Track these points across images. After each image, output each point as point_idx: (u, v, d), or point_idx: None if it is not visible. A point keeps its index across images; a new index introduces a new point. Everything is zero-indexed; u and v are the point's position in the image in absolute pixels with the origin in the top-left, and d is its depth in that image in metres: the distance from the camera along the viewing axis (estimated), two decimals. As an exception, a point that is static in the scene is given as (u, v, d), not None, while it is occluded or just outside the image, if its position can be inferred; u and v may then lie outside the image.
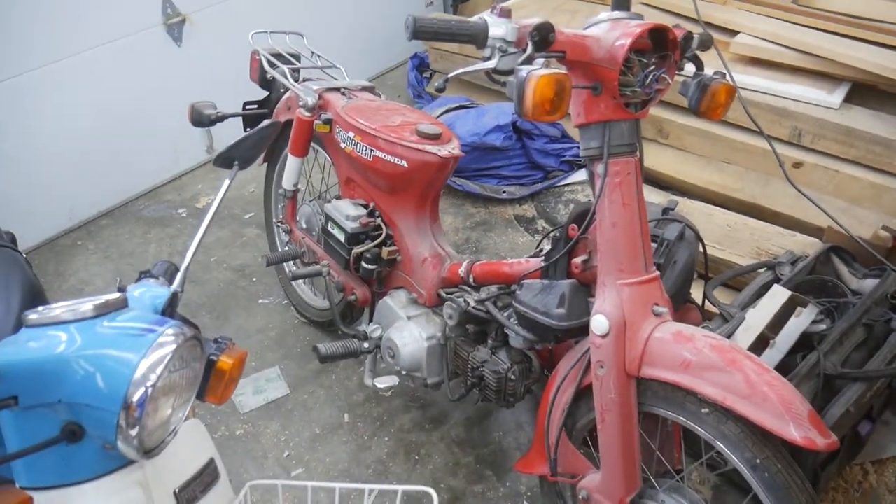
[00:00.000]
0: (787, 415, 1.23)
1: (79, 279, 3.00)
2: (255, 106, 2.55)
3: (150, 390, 0.85)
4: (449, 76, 1.30)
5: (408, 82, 4.18)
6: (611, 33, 1.32)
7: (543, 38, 1.27)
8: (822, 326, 1.90)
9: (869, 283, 2.11)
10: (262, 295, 2.85)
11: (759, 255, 2.48)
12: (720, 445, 1.36)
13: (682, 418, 1.42)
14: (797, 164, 2.71)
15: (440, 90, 1.29)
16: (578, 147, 3.23)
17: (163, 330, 0.90)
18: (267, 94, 2.53)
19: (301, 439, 2.22)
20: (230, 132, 2.99)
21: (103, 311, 0.90)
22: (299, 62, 2.44)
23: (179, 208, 3.44)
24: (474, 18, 1.28)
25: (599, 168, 1.41)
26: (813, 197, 2.03)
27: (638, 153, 1.44)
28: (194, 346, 0.94)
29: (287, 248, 2.53)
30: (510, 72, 1.28)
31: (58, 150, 3.14)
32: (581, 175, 3.22)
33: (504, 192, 3.20)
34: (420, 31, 1.28)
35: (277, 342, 2.60)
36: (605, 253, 1.43)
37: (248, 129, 2.60)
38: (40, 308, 0.90)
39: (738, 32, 3.08)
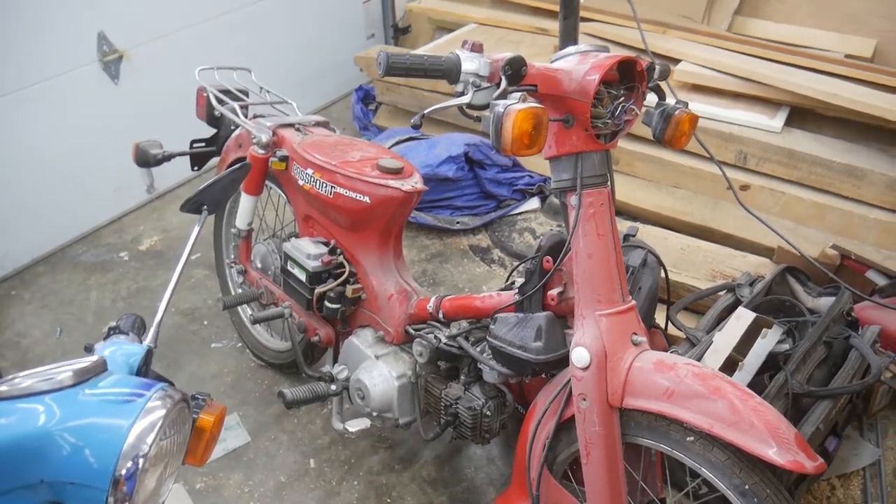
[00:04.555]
0: (774, 440, 1.24)
1: (15, 331, 2.83)
2: (203, 144, 2.48)
3: (141, 462, 0.78)
4: (425, 112, 1.27)
5: (353, 114, 4.16)
6: (580, 66, 1.33)
7: (516, 72, 1.26)
8: (786, 346, 1.94)
9: (823, 302, 2.17)
10: (215, 339, 2.74)
11: (713, 277, 2.53)
12: (707, 473, 1.35)
13: (666, 447, 1.41)
14: (744, 187, 2.78)
15: (416, 126, 1.27)
16: (530, 176, 3.30)
17: (150, 395, 0.83)
18: (215, 131, 2.47)
19: (266, 489, 2.13)
20: (173, 172, 2.93)
21: (83, 377, 0.83)
22: (248, 98, 2.38)
23: (121, 251, 3.31)
24: (446, 54, 1.27)
25: (573, 199, 1.41)
26: (761, 218, 2.08)
27: (609, 184, 1.45)
28: (183, 409, 0.88)
29: (242, 290, 2.45)
30: (485, 106, 1.27)
31: (-13, 195, 2.98)
32: (534, 203, 3.24)
33: (458, 222, 3.19)
34: (393, 68, 1.26)
35: (234, 388, 2.50)
36: (581, 284, 1.42)
37: (195, 168, 2.53)
38: (8, 378, 0.82)
39: (679, 60, 3.17)
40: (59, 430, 0.79)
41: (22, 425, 0.79)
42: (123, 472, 0.78)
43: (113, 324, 1.11)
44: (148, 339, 1.04)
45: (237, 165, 1.22)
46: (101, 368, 0.86)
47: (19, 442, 0.77)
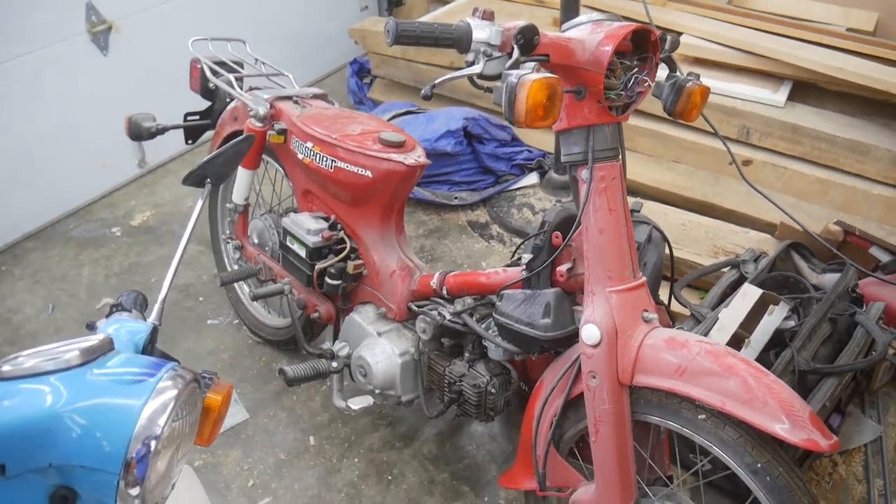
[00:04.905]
0: (789, 418, 1.22)
1: (6, 307, 2.78)
2: (197, 117, 2.43)
3: (153, 444, 0.75)
4: (436, 82, 1.23)
5: (347, 88, 4.09)
6: (593, 35, 1.29)
7: (528, 41, 1.22)
8: (791, 323, 1.93)
9: (828, 278, 2.16)
10: (211, 315, 2.71)
11: (715, 253, 2.51)
12: (718, 451, 1.34)
13: (676, 425, 1.39)
14: (746, 162, 2.76)
15: (427, 97, 1.23)
16: (528, 151, 3.26)
17: (161, 374, 0.80)
18: (209, 104, 2.41)
19: (265, 466, 2.11)
20: (164, 146, 2.87)
21: (91, 356, 0.79)
22: (243, 70, 2.32)
23: (113, 227, 3.25)
24: (457, 22, 1.22)
25: (584, 173, 1.37)
26: (764, 193, 2.06)
27: (621, 158, 1.42)
28: (194, 389, 0.85)
29: (239, 266, 2.41)
30: (497, 76, 1.23)
31: (-25, 169, 2.92)
32: (532, 179, 3.21)
33: (456, 198, 3.15)
34: (402, 36, 1.21)
35: (232, 364, 2.47)
36: (592, 260, 1.40)
37: (189, 142, 2.48)
38: (10, 357, 0.78)
39: (680, 33, 3.12)
40: (68, 412, 0.75)
41: (27, 407, 0.75)
42: (135, 454, 0.75)
43: (113, 301, 1.07)
44: (152, 316, 1.01)
45: (240, 137, 1.18)
46: (108, 347, 0.83)
47: (25, 424, 0.74)
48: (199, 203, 1.12)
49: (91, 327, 0.98)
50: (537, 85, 1.16)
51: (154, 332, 0.96)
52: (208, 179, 1.14)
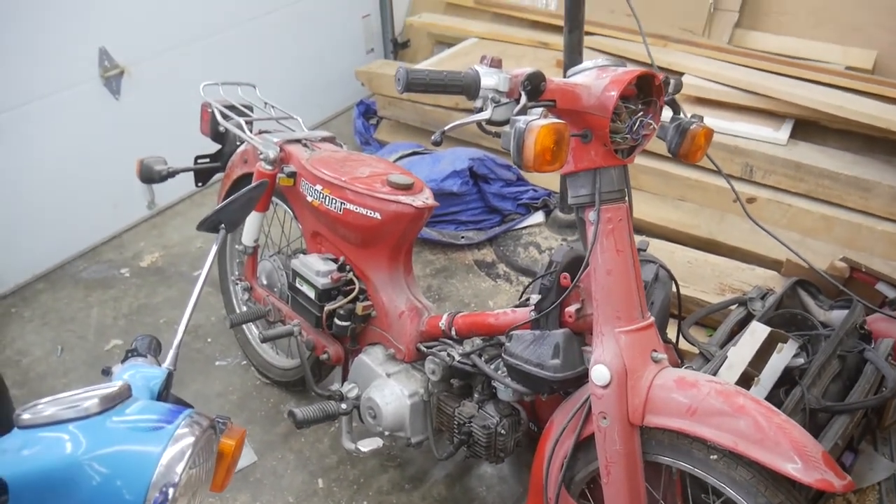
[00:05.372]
0: (801, 458, 1.22)
1: (15, 349, 2.79)
2: (207, 160, 2.46)
3: (171, 491, 0.76)
4: (445, 129, 1.26)
5: (354, 129, 4.14)
6: (598, 81, 1.32)
7: (535, 88, 1.25)
8: (801, 361, 1.92)
9: (836, 315, 2.16)
10: (219, 356, 2.71)
11: (722, 291, 2.52)
12: (731, 492, 1.33)
13: (688, 466, 1.39)
14: (751, 200, 2.78)
15: (437, 143, 1.25)
16: (534, 190, 3.29)
17: (179, 422, 0.81)
18: (219, 147, 2.45)
19: (274, 510, 2.10)
20: (173, 187, 2.91)
21: (110, 404, 0.80)
22: (252, 113, 2.37)
23: (122, 268, 3.27)
24: (466, 70, 1.25)
25: (591, 215, 1.39)
26: (769, 230, 2.07)
27: (628, 199, 1.44)
28: (211, 436, 0.85)
29: (247, 307, 2.42)
30: (505, 122, 1.25)
31: (-13, 211, 2.95)
32: (538, 218, 3.23)
33: (462, 237, 3.18)
34: (412, 84, 1.25)
35: (240, 406, 2.47)
36: (601, 301, 1.41)
37: (199, 184, 2.51)
38: (29, 405, 0.79)
39: (682, 74, 3.17)
40: (88, 460, 0.76)
41: (48, 455, 0.76)
42: (153, 502, 0.76)
43: (129, 346, 1.08)
44: (167, 361, 1.02)
45: (253, 184, 1.20)
46: (126, 394, 0.84)
47: (46, 473, 0.74)
48: (214, 248, 1.14)
49: (106, 373, 0.99)
50: (545, 130, 1.19)
51: (169, 377, 0.97)
52: (222, 225, 1.16)
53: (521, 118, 1.21)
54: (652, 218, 2.96)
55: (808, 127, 2.93)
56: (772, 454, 1.23)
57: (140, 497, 0.75)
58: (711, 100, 3.05)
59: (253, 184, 1.19)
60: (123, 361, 1.03)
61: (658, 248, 2.75)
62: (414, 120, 3.77)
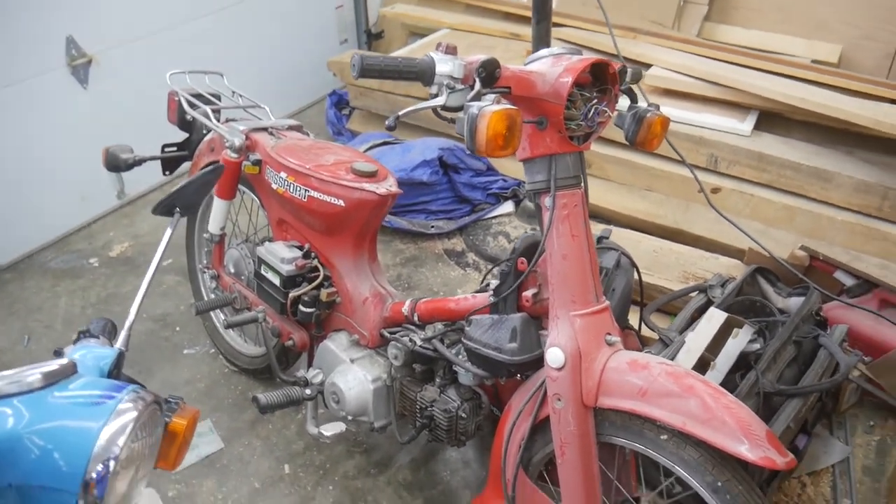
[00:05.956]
0: (747, 437, 1.25)
1: (-19, 338, 2.78)
2: (175, 148, 2.46)
3: (111, 464, 0.77)
4: (399, 114, 1.27)
5: (326, 119, 4.15)
6: (554, 68, 1.34)
7: (490, 75, 1.27)
8: (756, 346, 1.96)
9: (793, 302, 2.20)
10: (188, 345, 2.71)
11: (686, 279, 2.56)
12: (680, 471, 1.37)
13: (640, 446, 1.42)
14: (715, 190, 2.82)
15: (391, 128, 1.27)
16: (503, 180, 3.31)
17: (121, 396, 0.82)
18: (187, 135, 2.44)
19: (240, 495, 2.11)
20: (143, 177, 2.90)
21: (53, 379, 0.82)
22: (220, 102, 2.36)
23: (90, 258, 3.26)
24: (421, 56, 1.27)
25: (547, 201, 1.42)
26: (732, 220, 2.12)
27: (583, 185, 1.46)
28: (155, 411, 0.87)
29: (215, 295, 2.42)
30: (459, 108, 1.27)
31: (-47, 200, 2.93)
32: (508, 207, 3.26)
33: (432, 226, 3.19)
34: (367, 70, 1.26)
35: (207, 394, 2.48)
36: (556, 285, 1.43)
37: (166, 173, 2.50)
38: (-26, 380, 0.80)
39: (650, 65, 3.20)
40: (28, 433, 0.77)
41: None
42: (94, 474, 0.77)
43: (83, 327, 1.09)
44: (119, 342, 1.03)
45: (210, 167, 1.21)
46: (70, 371, 0.85)
47: None
48: (168, 232, 1.15)
49: (58, 353, 1.00)
50: (497, 116, 1.21)
51: (120, 357, 0.98)
52: (177, 209, 1.17)
53: (475, 104, 1.23)
54: (619, 207, 3.00)
55: (773, 119, 2.98)
56: (718, 433, 1.26)
57: (80, 470, 0.77)
58: (678, 91, 3.09)
59: (209, 168, 1.20)
60: (76, 342, 1.04)
61: (624, 237, 2.78)
62: (386, 110, 3.77)
